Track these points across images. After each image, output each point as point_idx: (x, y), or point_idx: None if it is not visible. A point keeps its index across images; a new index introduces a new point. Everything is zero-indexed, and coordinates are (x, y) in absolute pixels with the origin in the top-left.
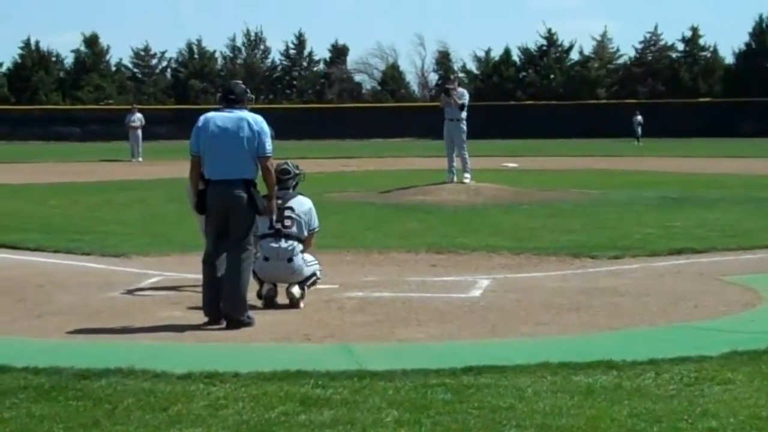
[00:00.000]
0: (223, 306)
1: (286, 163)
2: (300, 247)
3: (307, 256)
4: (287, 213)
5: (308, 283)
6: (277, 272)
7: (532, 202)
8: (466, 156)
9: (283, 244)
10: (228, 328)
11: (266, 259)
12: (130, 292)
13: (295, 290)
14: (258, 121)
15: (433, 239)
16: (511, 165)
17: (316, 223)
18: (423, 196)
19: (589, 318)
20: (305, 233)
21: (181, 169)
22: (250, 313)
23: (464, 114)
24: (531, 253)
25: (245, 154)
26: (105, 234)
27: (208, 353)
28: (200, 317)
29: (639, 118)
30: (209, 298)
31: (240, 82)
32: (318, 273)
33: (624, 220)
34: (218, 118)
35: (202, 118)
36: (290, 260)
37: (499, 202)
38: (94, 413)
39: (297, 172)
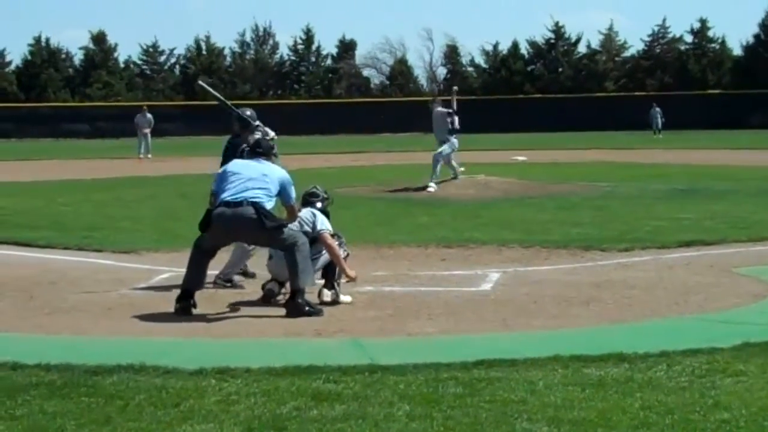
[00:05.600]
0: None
1: (315, 187)
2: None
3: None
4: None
5: (335, 279)
6: (278, 269)
7: (542, 195)
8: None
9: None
10: (287, 315)
11: (270, 257)
12: (140, 288)
13: (325, 295)
14: (281, 173)
15: (443, 233)
16: (520, 158)
17: (323, 226)
18: (431, 191)
19: (599, 311)
20: (309, 230)
21: (191, 166)
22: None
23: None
24: (541, 247)
25: (263, 189)
26: (115, 231)
27: (219, 349)
28: (211, 310)
29: (658, 110)
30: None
31: (270, 135)
32: (341, 253)
33: (634, 213)
34: (245, 161)
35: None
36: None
37: (509, 195)
38: (105, 410)
39: (325, 196)
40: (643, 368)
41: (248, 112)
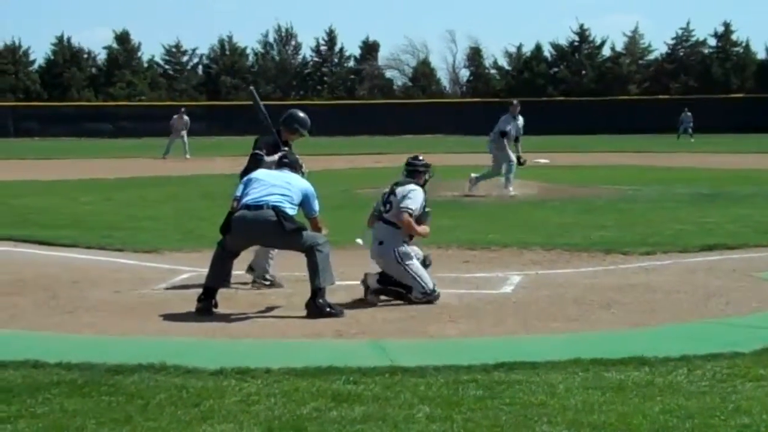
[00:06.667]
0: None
1: (417, 157)
2: (397, 236)
3: (409, 252)
4: (390, 198)
5: (389, 289)
6: (372, 254)
7: (564, 198)
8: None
9: (378, 228)
10: (308, 316)
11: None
12: (162, 288)
13: (371, 297)
14: (304, 184)
15: (464, 235)
16: (542, 161)
17: (404, 203)
18: (454, 193)
19: (620, 314)
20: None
21: (213, 166)
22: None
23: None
24: (562, 250)
25: (285, 196)
26: (137, 230)
27: (239, 349)
28: (232, 310)
29: (689, 114)
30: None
31: (298, 158)
32: (418, 290)
33: (656, 216)
34: (270, 171)
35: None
36: (381, 243)
37: (531, 198)
38: (126, 409)
39: (427, 165)
40: (663, 372)
41: (301, 114)
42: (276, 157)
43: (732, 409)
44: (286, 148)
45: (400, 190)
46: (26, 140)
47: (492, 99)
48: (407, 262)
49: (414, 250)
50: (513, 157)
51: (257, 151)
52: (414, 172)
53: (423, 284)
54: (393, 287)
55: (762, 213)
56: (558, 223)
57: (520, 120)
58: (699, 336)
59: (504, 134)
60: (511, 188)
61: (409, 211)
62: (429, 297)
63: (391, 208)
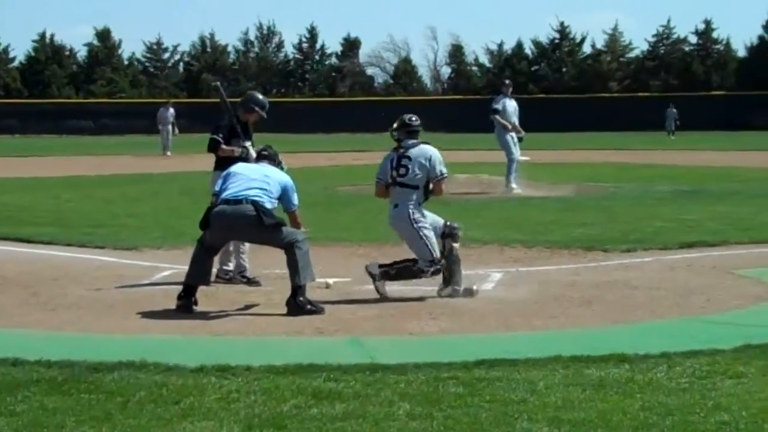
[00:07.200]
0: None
1: (411, 117)
2: (413, 197)
3: (424, 221)
4: (404, 162)
5: (395, 267)
6: (389, 218)
7: (545, 195)
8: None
9: (394, 192)
10: (288, 313)
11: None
12: (142, 285)
13: (379, 284)
14: (283, 177)
15: None
16: (523, 158)
17: (439, 169)
18: None
19: (601, 311)
20: (421, 180)
21: (194, 163)
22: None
23: (496, 116)
24: (543, 247)
25: (264, 190)
26: (118, 227)
27: (220, 346)
28: (212, 308)
29: (675, 111)
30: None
31: (274, 148)
32: (426, 258)
33: (637, 214)
34: (248, 164)
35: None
36: (396, 206)
37: (512, 195)
38: (106, 406)
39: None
40: (643, 369)
41: (259, 96)
42: (237, 149)
43: (712, 406)
44: (250, 141)
45: (415, 154)
46: (6, 137)
47: (473, 96)
48: (419, 225)
49: (434, 221)
50: (514, 152)
51: (214, 136)
52: (414, 132)
53: (431, 250)
54: (398, 264)
55: (742, 210)
56: (539, 221)
57: (514, 102)
58: (679, 333)
59: (495, 111)
60: (514, 185)
61: (446, 176)
62: (436, 266)
63: (407, 172)
